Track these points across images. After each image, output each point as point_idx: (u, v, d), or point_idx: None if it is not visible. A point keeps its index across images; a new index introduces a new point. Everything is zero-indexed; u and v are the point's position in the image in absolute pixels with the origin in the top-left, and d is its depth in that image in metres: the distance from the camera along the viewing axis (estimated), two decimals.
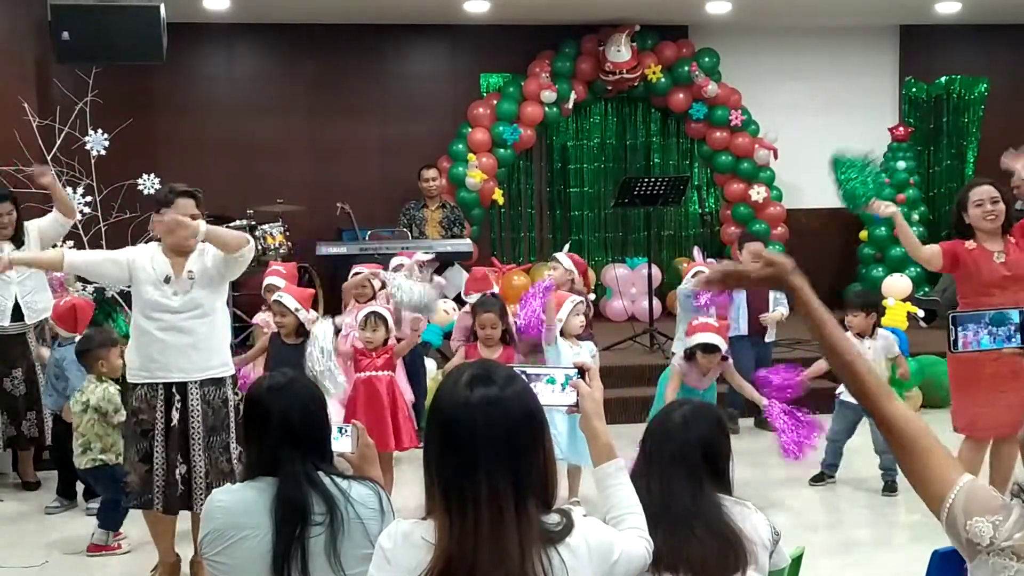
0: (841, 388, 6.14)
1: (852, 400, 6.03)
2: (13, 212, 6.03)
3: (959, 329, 2.64)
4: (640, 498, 2.24)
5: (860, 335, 5.89)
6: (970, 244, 5.07)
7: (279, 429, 2.61)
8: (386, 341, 5.55)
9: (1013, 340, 2.63)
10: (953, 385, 5.26)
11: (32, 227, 6.08)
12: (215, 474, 4.42)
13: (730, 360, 5.73)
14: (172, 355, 4.39)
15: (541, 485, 2.00)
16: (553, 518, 2.00)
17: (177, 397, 4.39)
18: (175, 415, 4.39)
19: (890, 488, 5.95)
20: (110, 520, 5.13)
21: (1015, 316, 2.64)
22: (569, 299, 5.58)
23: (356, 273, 6.24)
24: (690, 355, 5.57)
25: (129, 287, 4.58)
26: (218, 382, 4.48)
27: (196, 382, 4.42)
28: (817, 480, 6.15)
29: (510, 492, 1.93)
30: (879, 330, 6.07)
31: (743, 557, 2.47)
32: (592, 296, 7.25)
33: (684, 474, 2.53)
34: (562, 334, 5.46)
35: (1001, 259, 5.02)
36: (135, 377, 4.47)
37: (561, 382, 2.26)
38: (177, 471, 4.39)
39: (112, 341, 5.27)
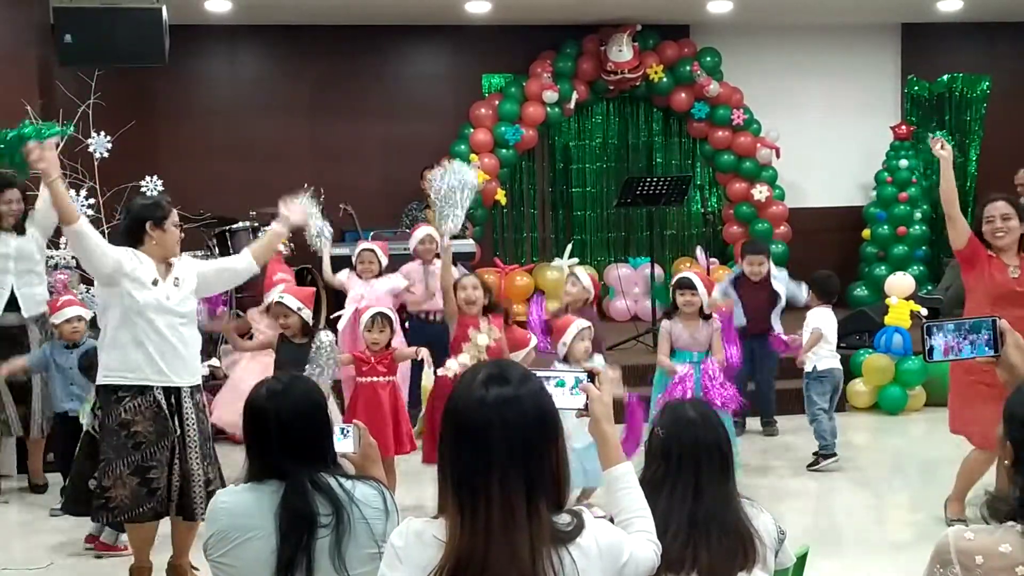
0: (808, 368, 6.31)
1: (822, 371, 6.22)
2: (22, 202, 6.04)
3: (932, 338, 2.60)
4: (662, 501, 2.22)
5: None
6: (991, 252, 5.08)
7: (279, 435, 2.60)
8: (388, 344, 5.55)
9: (989, 348, 2.62)
10: (951, 391, 5.24)
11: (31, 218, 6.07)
12: (205, 481, 4.47)
13: (718, 323, 5.75)
14: (170, 358, 4.39)
15: (553, 485, 2.00)
16: (564, 518, 2.00)
17: (174, 403, 4.41)
18: (179, 422, 4.42)
19: (827, 455, 6.23)
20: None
21: (988, 324, 2.62)
22: (575, 323, 5.35)
23: (362, 250, 6.95)
24: (673, 309, 5.72)
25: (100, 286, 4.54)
26: (198, 388, 4.57)
27: (187, 388, 4.46)
28: (814, 465, 6.28)
29: (522, 491, 1.94)
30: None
31: (752, 556, 2.47)
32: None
33: (712, 473, 2.51)
34: (566, 359, 5.26)
35: (1016, 274, 5.02)
36: (118, 379, 4.35)
37: (571, 385, 2.26)
38: (176, 478, 4.42)
39: None
